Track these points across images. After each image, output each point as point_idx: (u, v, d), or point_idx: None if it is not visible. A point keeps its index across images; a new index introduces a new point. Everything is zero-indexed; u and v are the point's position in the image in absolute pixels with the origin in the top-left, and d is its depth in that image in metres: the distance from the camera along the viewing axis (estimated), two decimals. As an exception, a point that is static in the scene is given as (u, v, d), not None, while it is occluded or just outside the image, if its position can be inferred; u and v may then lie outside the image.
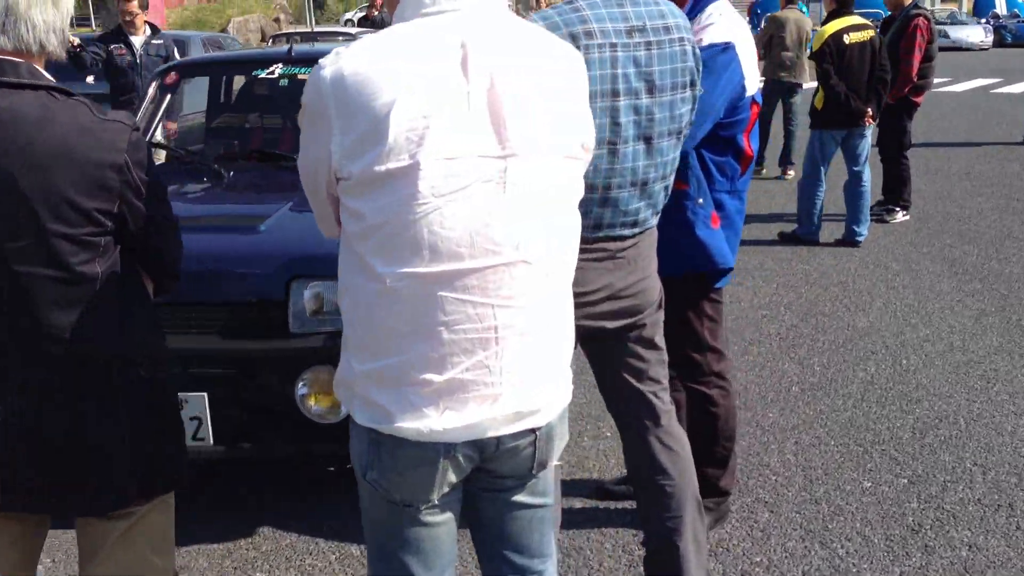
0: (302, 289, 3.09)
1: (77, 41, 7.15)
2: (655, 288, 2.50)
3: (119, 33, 7.36)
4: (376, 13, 20.88)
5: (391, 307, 1.55)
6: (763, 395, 4.32)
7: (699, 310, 3.02)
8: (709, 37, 2.76)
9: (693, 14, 2.83)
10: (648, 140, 2.30)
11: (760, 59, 9.79)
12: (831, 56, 6.75)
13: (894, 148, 7.77)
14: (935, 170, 10.02)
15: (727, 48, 2.74)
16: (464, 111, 1.52)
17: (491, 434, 1.63)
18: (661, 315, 2.57)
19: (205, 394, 3.09)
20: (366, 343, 1.60)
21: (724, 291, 2.93)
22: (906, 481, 3.51)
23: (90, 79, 7.86)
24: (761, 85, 3.32)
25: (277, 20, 24.24)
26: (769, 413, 4.12)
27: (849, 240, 7.07)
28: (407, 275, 1.53)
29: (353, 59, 1.53)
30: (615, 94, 2.21)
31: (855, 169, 7.03)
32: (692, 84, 2.39)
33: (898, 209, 7.85)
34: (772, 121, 9.76)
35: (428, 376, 1.57)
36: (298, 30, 17.59)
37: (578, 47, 2.13)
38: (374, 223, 1.53)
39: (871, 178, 7.08)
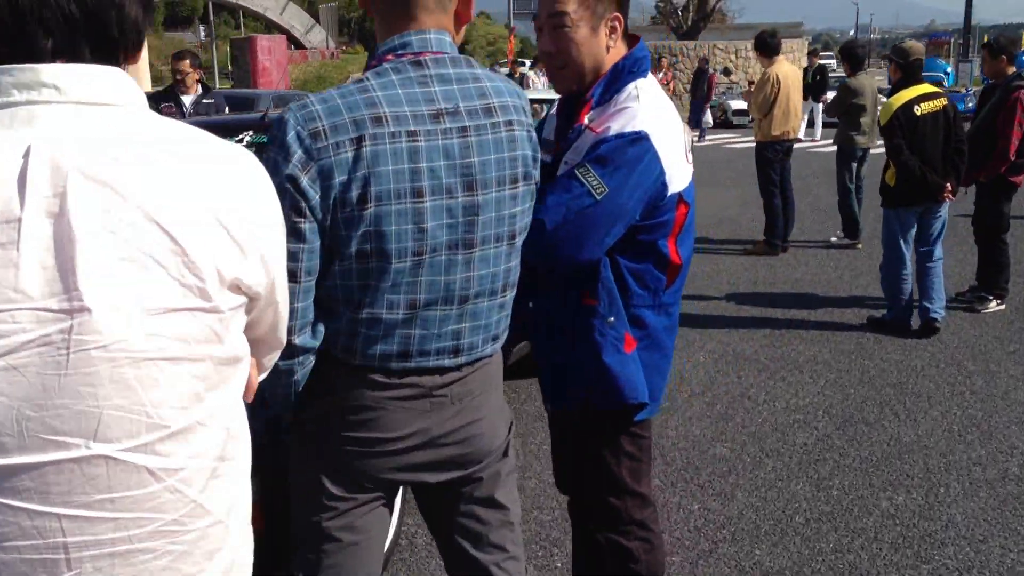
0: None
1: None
2: (495, 434, 2.05)
3: (171, 91, 7.35)
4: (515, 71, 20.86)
5: None
6: (758, 526, 3.74)
7: (616, 448, 2.53)
8: (618, 125, 2.31)
9: (609, 95, 2.40)
10: (468, 247, 1.88)
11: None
12: (901, 130, 6.11)
13: (990, 231, 7.00)
14: (1051, 251, 9.07)
15: (638, 139, 2.28)
16: (12, 247, 1.13)
17: None
18: (507, 464, 2.11)
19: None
20: None
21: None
22: (891, 658, 2.90)
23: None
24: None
25: (393, 75, 24.44)
26: (756, 551, 3.54)
27: (927, 322, 6.34)
28: None
29: None
30: (419, 193, 1.79)
31: (923, 250, 6.37)
32: (527, 177, 1.95)
33: (991, 298, 7.05)
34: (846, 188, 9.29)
35: None
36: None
37: (362, 137, 1.74)
38: None
39: (943, 256, 6.39)
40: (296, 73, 24.43)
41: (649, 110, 2.34)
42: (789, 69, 8.77)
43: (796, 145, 9.27)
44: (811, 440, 4.61)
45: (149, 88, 13.83)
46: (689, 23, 41.04)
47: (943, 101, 6.21)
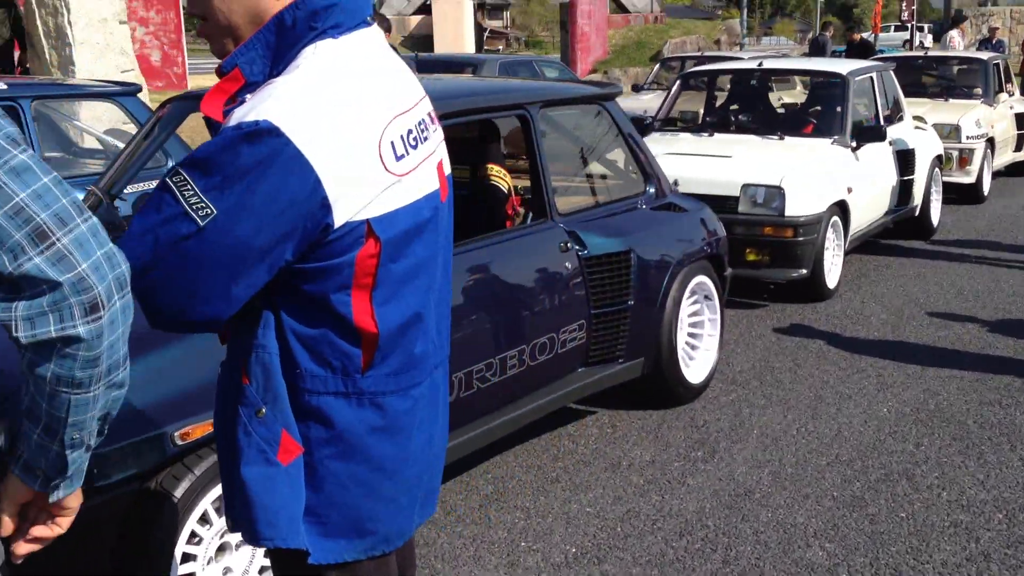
0: None
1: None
2: None
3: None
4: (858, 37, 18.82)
5: None
6: None
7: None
8: (241, 112, 1.42)
9: (282, 66, 1.49)
10: None
11: None
12: None
13: None
14: None
15: (259, 134, 1.38)
16: None
17: None
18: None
19: None
20: None
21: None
22: None
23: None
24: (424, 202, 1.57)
25: (718, 42, 23.15)
26: None
27: None
28: None
29: None
30: None
31: None
32: None
33: None
34: None
35: None
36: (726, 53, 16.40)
37: None
38: None
39: None
40: (616, 38, 23.74)
41: (301, 87, 1.44)
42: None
43: None
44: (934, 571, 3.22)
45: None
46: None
47: None
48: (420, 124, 1.60)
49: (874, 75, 7.68)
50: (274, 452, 1.51)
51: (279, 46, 1.49)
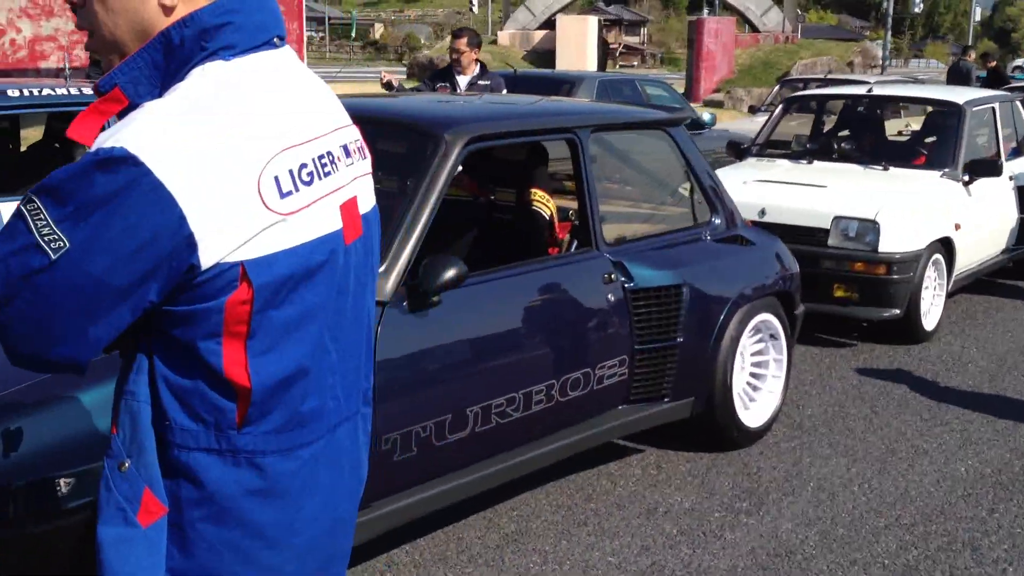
0: None
1: (386, 79, 7.08)
2: None
3: (448, 71, 6.96)
4: None
5: None
6: None
7: None
8: (103, 137, 1.33)
9: (169, 85, 1.40)
10: None
11: None
12: None
13: None
14: None
15: (113, 162, 1.28)
16: None
17: None
18: None
19: None
20: None
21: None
22: None
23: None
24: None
25: (851, 64, 22.28)
26: None
27: None
28: None
29: None
30: None
31: None
32: None
33: None
34: None
35: None
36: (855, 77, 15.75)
37: None
38: None
39: None
40: (744, 58, 23.12)
41: (171, 112, 1.34)
42: None
43: None
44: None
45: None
46: None
47: None
48: (323, 157, 1.47)
49: (996, 105, 7.18)
50: (134, 511, 1.40)
51: (167, 66, 1.38)
